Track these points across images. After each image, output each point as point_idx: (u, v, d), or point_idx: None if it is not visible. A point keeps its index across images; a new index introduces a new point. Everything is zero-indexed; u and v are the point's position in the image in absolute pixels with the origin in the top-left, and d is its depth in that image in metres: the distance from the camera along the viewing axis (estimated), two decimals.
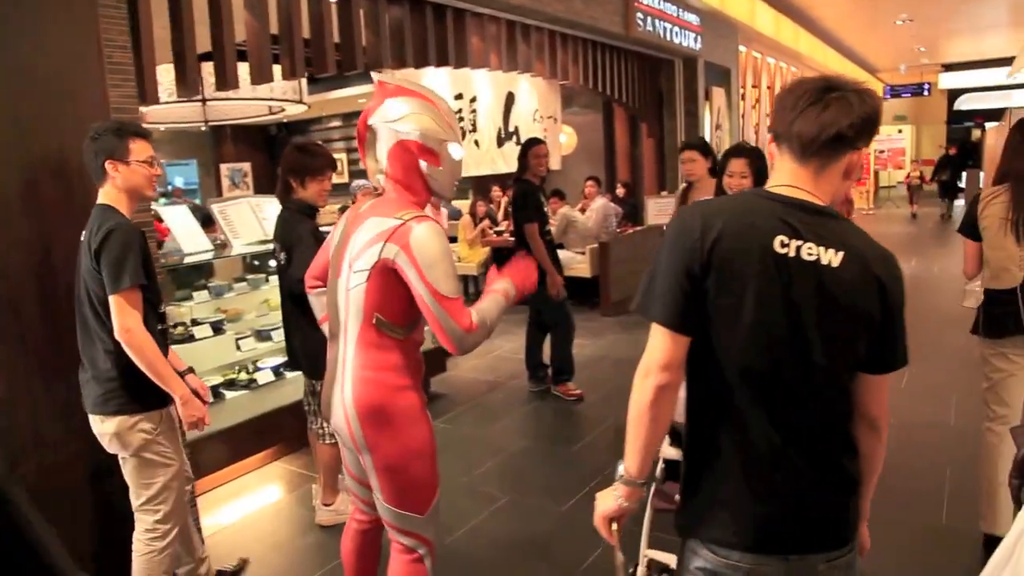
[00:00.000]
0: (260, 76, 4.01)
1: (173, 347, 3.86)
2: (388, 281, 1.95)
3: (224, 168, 12.79)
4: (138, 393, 2.36)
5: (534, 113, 7.37)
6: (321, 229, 3.24)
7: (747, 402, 1.36)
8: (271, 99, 6.99)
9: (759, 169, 3.12)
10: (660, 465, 2.49)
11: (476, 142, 6.57)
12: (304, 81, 6.93)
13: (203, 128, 10.47)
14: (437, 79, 6.08)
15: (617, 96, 7.56)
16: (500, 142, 6.86)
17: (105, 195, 2.43)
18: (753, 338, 1.33)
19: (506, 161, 6.91)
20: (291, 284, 3.13)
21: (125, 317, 2.26)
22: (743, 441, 1.38)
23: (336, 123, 13.09)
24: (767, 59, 11.65)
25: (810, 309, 1.31)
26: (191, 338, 4.00)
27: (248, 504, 3.67)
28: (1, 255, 2.63)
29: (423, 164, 2.02)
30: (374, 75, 2.15)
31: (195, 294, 4.36)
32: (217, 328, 4.13)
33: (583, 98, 9.94)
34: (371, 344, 2.00)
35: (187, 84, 3.68)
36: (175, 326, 4.05)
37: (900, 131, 21.36)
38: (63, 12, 2.77)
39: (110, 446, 2.45)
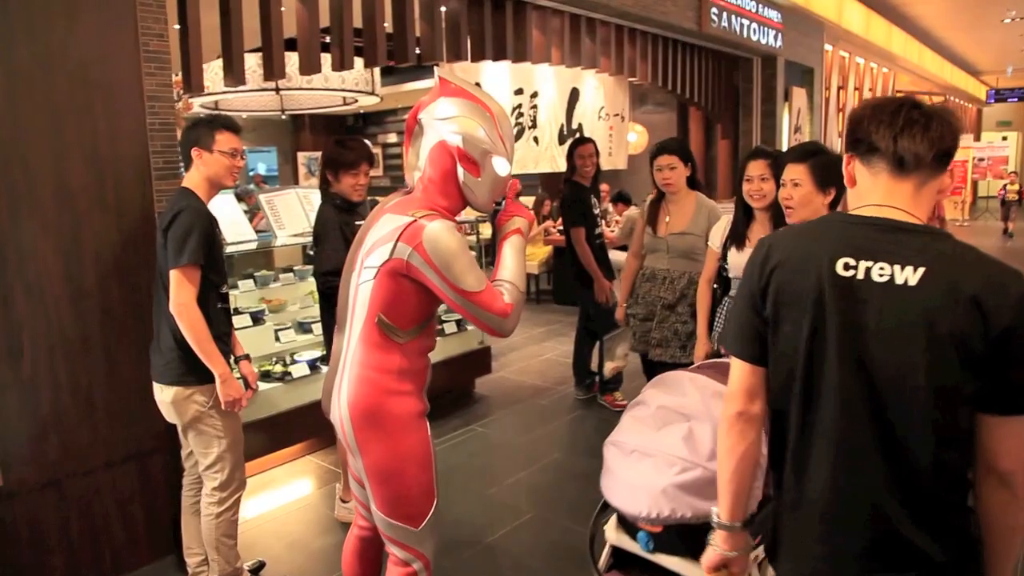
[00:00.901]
0: (309, 66, 3.97)
1: None
2: (396, 282, 1.89)
3: (301, 156, 13.07)
4: (194, 366, 2.49)
5: (600, 111, 7.16)
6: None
7: (809, 435, 1.29)
8: (344, 90, 7.03)
9: (780, 173, 2.78)
10: (606, 551, 2.28)
11: (536, 139, 6.41)
12: (377, 73, 6.95)
13: (282, 117, 10.77)
14: (496, 73, 5.94)
15: (689, 95, 7.27)
16: (562, 139, 6.68)
17: (188, 180, 2.61)
18: (807, 371, 1.27)
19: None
20: (316, 277, 3.10)
21: (181, 292, 2.42)
22: (809, 483, 1.29)
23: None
24: (856, 59, 11.05)
25: (881, 335, 1.21)
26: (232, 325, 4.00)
27: (273, 499, 3.65)
28: (31, 241, 2.66)
29: (461, 171, 1.94)
30: (437, 71, 2.09)
31: (240, 283, 4.37)
32: (257, 318, 4.12)
33: (658, 96, 9.66)
34: (373, 343, 1.93)
35: (234, 74, 3.68)
36: None
37: (1004, 138, 20.07)
38: (99, 3, 2.77)
39: (168, 415, 2.64)
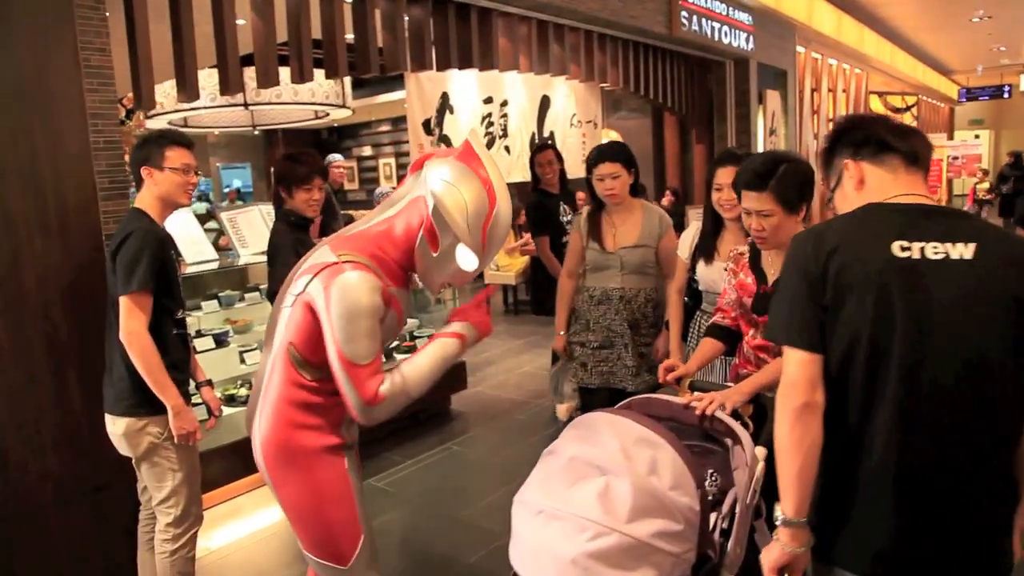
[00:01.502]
0: (266, 79, 3.86)
1: None
2: (308, 317, 1.78)
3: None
4: (147, 397, 2.36)
5: (572, 118, 7.08)
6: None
7: (874, 410, 1.33)
8: (314, 103, 6.93)
9: None
10: None
11: (507, 148, 6.32)
12: (348, 85, 6.86)
13: (255, 132, 10.63)
14: (464, 82, 5.85)
15: (662, 99, 7.22)
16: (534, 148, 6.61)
17: (139, 200, 2.48)
18: (873, 348, 1.32)
19: None
20: (269, 298, 2.97)
21: (131, 320, 2.30)
22: (875, 463, 1.33)
23: (386, 127, 13.06)
24: (828, 60, 11.08)
25: (946, 308, 1.30)
26: (192, 350, 3.86)
27: (238, 529, 3.51)
28: None
29: (419, 236, 1.80)
30: (468, 135, 1.89)
31: (204, 303, 4.23)
32: (220, 340, 3.99)
33: (632, 102, 9.62)
34: (284, 372, 1.84)
35: (188, 90, 3.56)
36: None
37: (977, 136, 20.26)
38: (33, 16, 2.64)
39: (120, 447, 2.50)
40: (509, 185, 5.85)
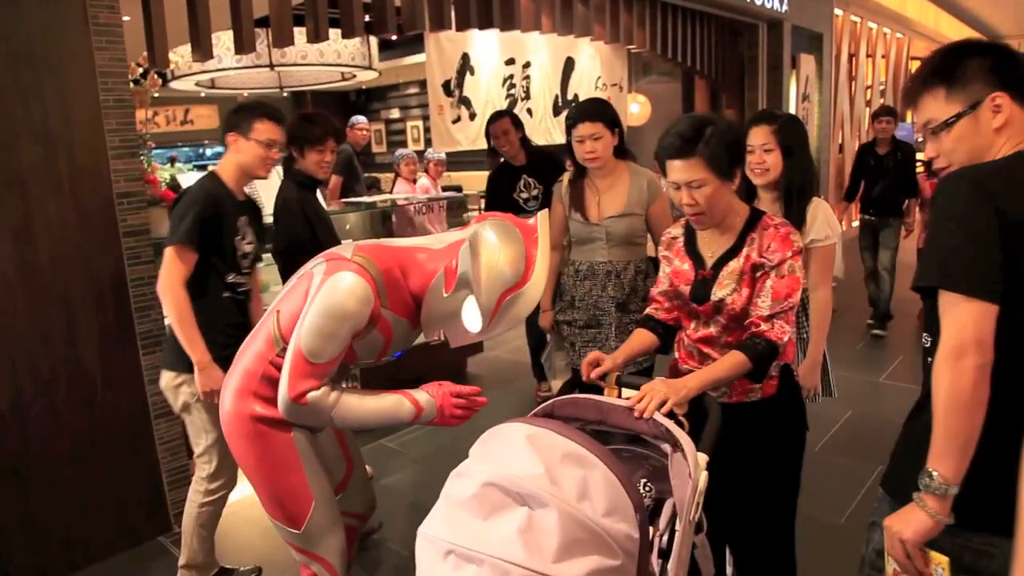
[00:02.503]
0: (281, 39, 3.83)
1: None
2: (300, 293, 1.81)
3: None
4: (183, 353, 2.39)
5: (596, 80, 6.95)
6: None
7: None
8: (340, 65, 6.90)
9: (791, 143, 2.38)
10: None
11: (529, 111, 6.23)
12: (375, 47, 6.81)
13: (283, 94, 10.65)
14: (486, 42, 5.76)
15: (691, 63, 7.04)
16: (556, 111, 6.50)
17: (220, 164, 2.55)
18: None
19: (562, 131, 6.52)
20: (274, 257, 2.98)
21: (168, 271, 2.35)
22: None
23: (414, 90, 12.97)
24: (868, 24, 10.70)
25: None
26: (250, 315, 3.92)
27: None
28: None
29: (437, 279, 1.78)
30: (540, 216, 1.84)
31: None
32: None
33: (662, 66, 9.41)
34: (263, 343, 1.88)
35: (202, 50, 3.55)
36: None
37: None
38: None
39: (167, 399, 2.60)
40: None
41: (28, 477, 2.74)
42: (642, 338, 2.01)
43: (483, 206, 4.06)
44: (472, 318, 1.72)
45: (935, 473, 1.23)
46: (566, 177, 2.98)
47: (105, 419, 2.91)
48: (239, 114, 2.47)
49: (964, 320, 1.20)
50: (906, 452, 1.37)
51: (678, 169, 1.77)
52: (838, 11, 9.37)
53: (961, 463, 1.21)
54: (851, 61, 10.23)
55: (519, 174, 4.08)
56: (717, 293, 1.83)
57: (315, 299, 1.69)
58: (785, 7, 7.66)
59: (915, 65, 14.15)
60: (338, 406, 1.74)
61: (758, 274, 1.81)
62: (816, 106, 9.08)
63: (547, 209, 1.96)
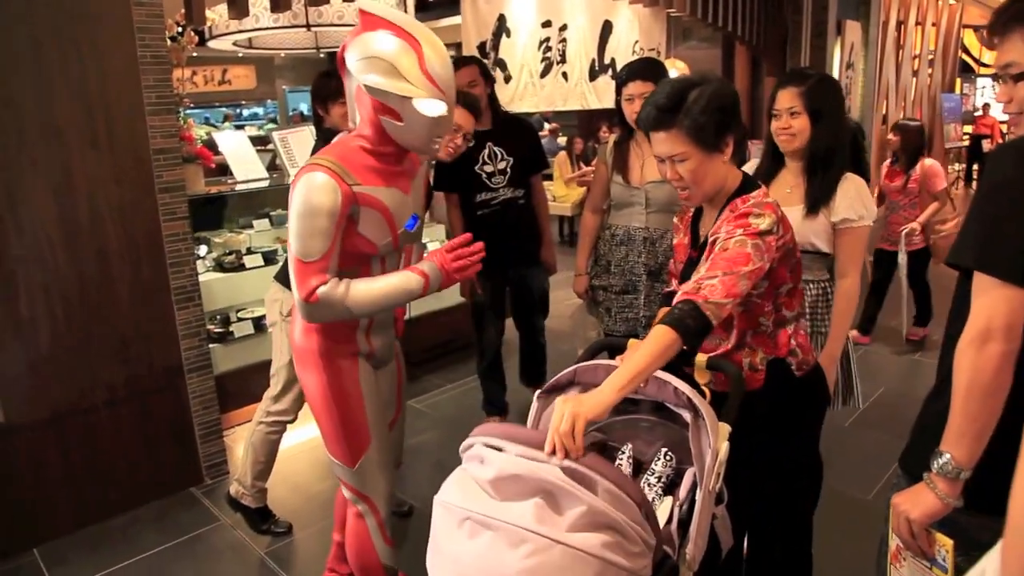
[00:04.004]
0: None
1: (223, 275, 3.90)
2: None
3: None
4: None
5: (634, 45, 6.81)
6: None
7: None
8: None
9: (820, 107, 2.17)
10: None
11: (564, 74, 6.13)
12: (412, 7, 6.76)
13: (320, 55, 10.64)
14: (523, 4, 5.67)
15: (732, 28, 6.86)
16: (593, 75, 6.38)
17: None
18: None
19: (599, 96, 6.44)
20: None
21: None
22: None
23: (450, 52, 12.82)
24: None
25: None
26: (241, 267, 3.98)
27: (284, 439, 3.64)
28: (21, 181, 2.62)
29: (383, 119, 1.78)
30: (357, 2, 1.83)
31: (256, 222, 4.33)
32: (269, 258, 4.08)
33: (703, 31, 9.20)
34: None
35: (238, 7, 3.55)
36: (229, 253, 4.04)
37: None
38: None
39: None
40: (567, 114, 5.29)
41: (66, 424, 2.82)
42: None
43: (431, 181, 3.27)
44: (431, 107, 1.74)
45: (948, 455, 1.20)
46: (612, 138, 2.91)
47: (140, 371, 2.98)
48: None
49: (996, 305, 1.15)
50: (925, 432, 1.33)
51: (658, 142, 1.62)
52: None
53: (976, 448, 1.19)
54: (899, 29, 9.91)
55: (483, 141, 3.21)
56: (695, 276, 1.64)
57: (291, 208, 1.76)
58: None
59: (968, 33, 13.65)
60: (349, 294, 1.78)
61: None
62: (860, 75, 8.83)
63: None
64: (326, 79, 2.92)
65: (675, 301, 1.51)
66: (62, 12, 2.64)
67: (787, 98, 2.19)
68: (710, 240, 1.63)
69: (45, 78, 2.63)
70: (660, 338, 1.42)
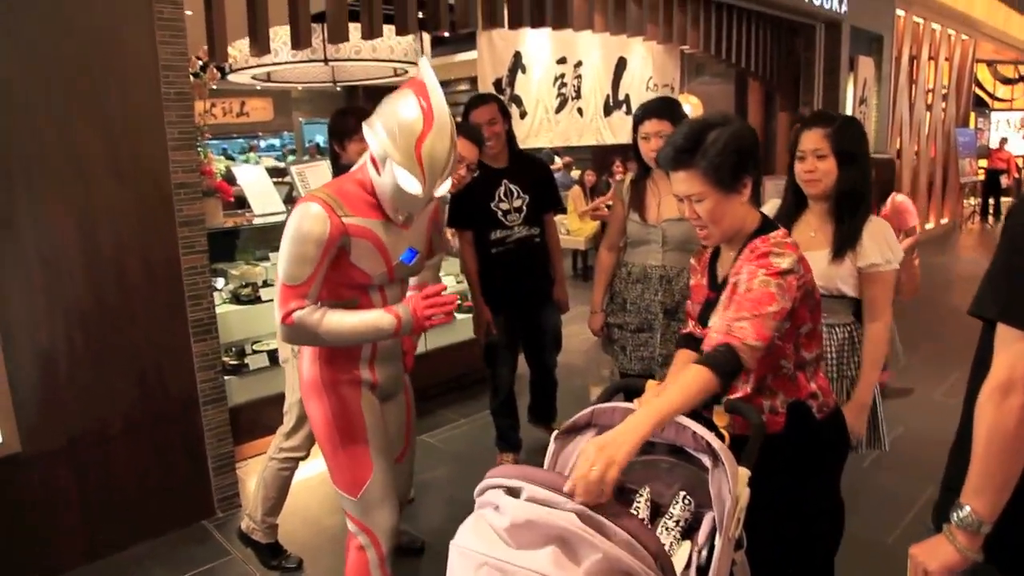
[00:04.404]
0: (337, 35, 3.88)
1: (239, 307, 3.92)
2: None
3: None
4: None
5: (648, 81, 6.88)
6: None
7: None
8: (392, 60, 6.99)
9: (848, 149, 2.13)
10: None
11: (579, 110, 6.20)
12: (427, 43, 6.87)
13: (336, 88, 10.82)
14: (538, 41, 5.75)
15: (745, 64, 6.93)
16: (607, 111, 6.44)
17: None
18: None
19: (613, 131, 6.50)
20: None
21: None
22: None
23: (464, 86, 12.99)
24: (931, 25, 10.40)
25: None
26: (257, 299, 4.00)
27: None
28: (46, 211, 2.66)
29: (369, 167, 1.90)
30: (419, 63, 1.90)
31: (271, 254, 4.37)
32: None
33: (715, 67, 9.29)
34: None
35: (259, 44, 3.62)
36: (246, 286, 4.07)
37: None
38: None
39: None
40: (581, 148, 5.32)
41: (83, 454, 2.83)
42: (686, 359, 1.80)
43: (446, 218, 3.17)
44: (407, 181, 1.80)
45: (968, 508, 1.18)
46: (628, 176, 2.93)
47: (156, 402, 2.99)
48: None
49: (1019, 357, 1.14)
50: (951, 489, 1.30)
51: (677, 181, 1.64)
52: (900, 12, 9.13)
53: (998, 501, 1.17)
54: (912, 63, 9.96)
55: (499, 179, 3.24)
56: (714, 319, 1.65)
57: (284, 234, 1.83)
58: (844, 8, 7.49)
59: (981, 68, 13.69)
60: (324, 321, 1.84)
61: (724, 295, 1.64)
62: (874, 110, 8.87)
63: (425, 58, 1.92)
64: (344, 117, 2.97)
65: (708, 344, 1.53)
66: (92, 47, 2.70)
67: (813, 140, 2.14)
68: (730, 281, 1.63)
69: (72, 111, 2.68)
70: (697, 378, 1.43)
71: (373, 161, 1.86)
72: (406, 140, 1.77)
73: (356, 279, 1.92)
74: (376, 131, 1.81)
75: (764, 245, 1.62)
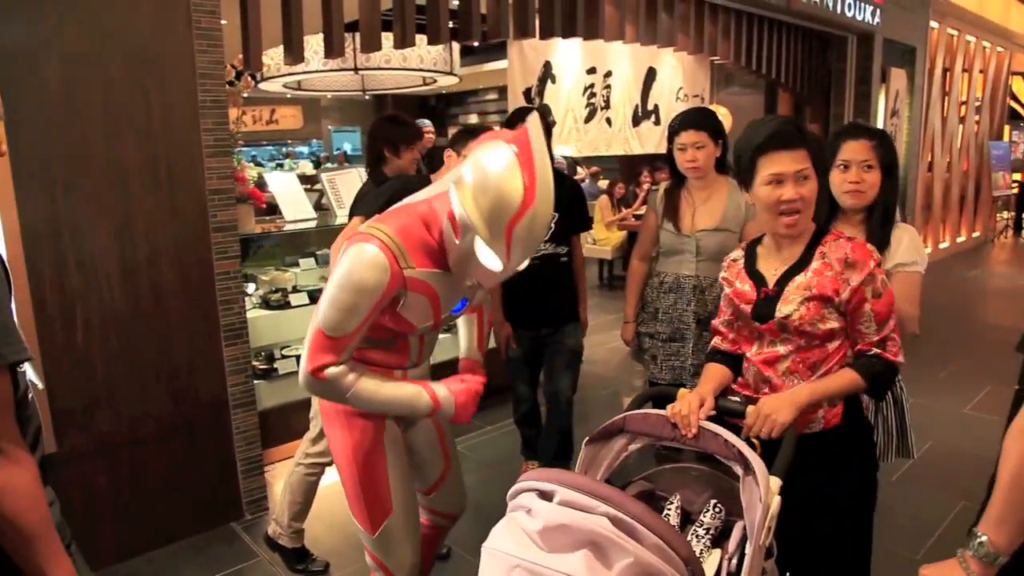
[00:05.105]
0: (370, 44, 3.93)
1: (269, 312, 3.97)
2: None
3: None
4: None
5: (678, 91, 6.87)
6: None
7: None
8: (422, 70, 7.05)
9: (890, 161, 2.13)
10: None
11: (608, 120, 6.20)
12: (457, 52, 6.92)
13: (365, 97, 10.94)
14: (568, 51, 5.77)
15: (776, 75, 6.89)
16: (636, 121, 6.44)
17: (435, 175, 2.68)
18: None
19: (641, 142, 6.50)
20: None
21: None
22: None
23: (492, 95, 13.11)
24: (966, 37, 10.26)
25: None
26: (287, 305, 4.05)
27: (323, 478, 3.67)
28: (84, 218, 2.72)
29: (446, 225, 1.65)
30: (528, 121, 1.59)
31: (302, 261, 4.42)
32: (314, 297, 4.15)
33: (746, 77, 9.25)
34: None
35: (294, 53, 3.67)
36: (275, 291, 4.12)
37: None
38: None
39: None
40: (609, 157, 5.24)
41: (117, 455, 2.88)
42: (715, 372, 1.88)
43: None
44: (488, 258, 1.57)
45: (985, 538, 1.17)
46: (663, 186, 2.93)
47: (187, 405, 3.03)
48: (461, 135, 2.54)
49: None
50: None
51: (788, 160, 1.65)
52: (934, 24, 9.02)
53: (1017, 536, 1.16)
54: (945, 76, 9.83)
55: None
56: (782, 309, 1.72)
57: (334, 273, 1.63)
58: (877, 20, 7.43)
59: (1016, 80, 13.46)
60: (356, 387, 1.68)
61: (841, 298, 1.68)
62: (905, 122, 8.76)
63: (535, 116, 1.63)
64: (398, 125, 3.03)
65: (857, 354, 1.75)
66: (133, 56, 2.76)
67: (861, 150, 2.11)
68: (851, 288, 1.69)
69: (114, 118, 2.74)
70: (847, 375, 1.71)
71: (451, 219, 1.61)
72: (498, 217, 1.50)
73: (399, 327, 1.74)
74: (464, 193, 1.52)
75: (849, 243, 1.72)
